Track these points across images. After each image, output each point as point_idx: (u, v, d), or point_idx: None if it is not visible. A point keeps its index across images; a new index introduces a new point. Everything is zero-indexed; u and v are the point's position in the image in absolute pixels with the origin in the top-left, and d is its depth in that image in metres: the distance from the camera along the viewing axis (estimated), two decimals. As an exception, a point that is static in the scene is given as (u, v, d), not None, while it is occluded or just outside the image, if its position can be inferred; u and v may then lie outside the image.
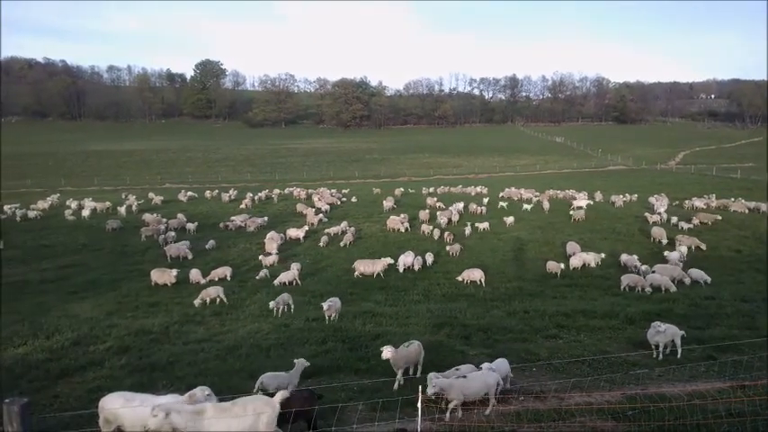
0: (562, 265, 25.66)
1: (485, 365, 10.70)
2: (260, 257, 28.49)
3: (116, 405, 8.43)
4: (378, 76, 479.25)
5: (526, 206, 45.37)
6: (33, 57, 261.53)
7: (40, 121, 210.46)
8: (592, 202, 47.56)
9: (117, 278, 26.17)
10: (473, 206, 44.83)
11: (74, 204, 50.42)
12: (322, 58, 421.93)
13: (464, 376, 10.17)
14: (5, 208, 48.58)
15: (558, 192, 55.02)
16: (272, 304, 18.27)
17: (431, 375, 9.86)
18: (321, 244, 33.13)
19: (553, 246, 31.89)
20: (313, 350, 13.93)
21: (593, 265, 26.85)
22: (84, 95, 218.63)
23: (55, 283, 25.94)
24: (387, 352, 11.40)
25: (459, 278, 23.98)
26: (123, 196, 56.74)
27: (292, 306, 17.87)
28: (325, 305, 16.91)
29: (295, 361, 11.11)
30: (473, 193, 57.17)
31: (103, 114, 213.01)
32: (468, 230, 35.66)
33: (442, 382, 9.79)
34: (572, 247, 29.33)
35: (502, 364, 11.21)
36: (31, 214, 46.45)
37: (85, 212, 46.49)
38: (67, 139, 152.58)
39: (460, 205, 44.63)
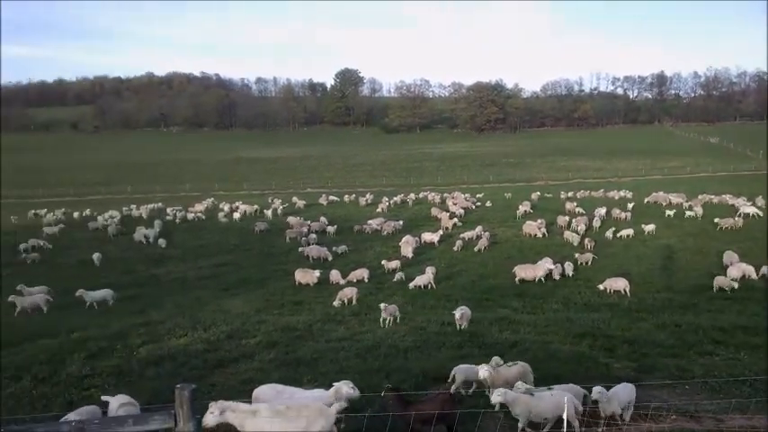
0: (735, 284, 23.27)
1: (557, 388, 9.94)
2: (383, 262, 28.98)
3: (268, 395, 8.99)
4: (513, 77, 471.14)
5: (669, 212, 42.35)
6: (192, 71, 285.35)
7: (198, 130, 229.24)
8: (760, 212, 42.29)
9: (264, 277, 27.87)
10: (616, 211, 42.62)
11: (226, 207, 54.35)
12: (456, 61, 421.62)
13: (531, 393, 9.54)
14: (168, 210, 53.45)
15: (713, 196, 50.72)
16: (382, 311, 18.05)
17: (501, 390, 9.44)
18: (455, 248, 33.12)
19: (707, 255, 29.51)
20: (450, 354, 13.96)
21: (754, 276, 24.48)
22: (236, 106, 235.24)
23: (210, 279, 28.15)
24: (483, 371, 10.64)
25: (602, 287, 22.90)
26: (270, 200, 60.22)
27: (398, 317, 17.81)
28: (456, 313, 16.62)
29: (495, 359, 11.18)
30: (616, 198, 54.35)
31: (252, 124, 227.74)
32: (609, 236, 33.95)
33: (509, 395, 9.26)
34: (729, 256, 26.92)
35: (623, 389, 10.03)
36: (190, 216, 50.69)
37: (236, 215, 49.98)
38: (221, 147, 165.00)
39: (603, 210, 42.57)
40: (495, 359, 11.35)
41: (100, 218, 49.57)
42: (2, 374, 12.40)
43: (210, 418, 7.95)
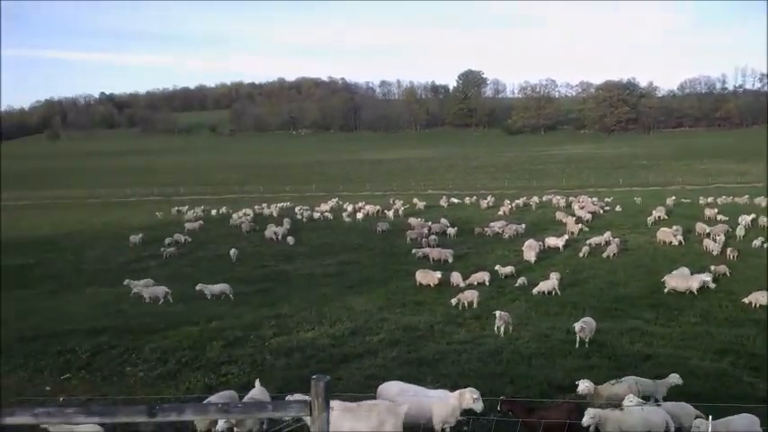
0: None
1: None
2: (496, 267, 27.48)
3: (392, 392, 9.16)
4: (647, 76, 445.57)
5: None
6: (319, 76, 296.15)
7: (324, 133, 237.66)
8: None
9: (386, 276, 28.36)
10: (764, 219, 39.03)
11: (350, 207, 55.87)
12: (584, 60, 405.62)
13: (621, 408, 8.89)
14: (296, 209, 55.87)
15: None
16: (497, 318, 17.35)
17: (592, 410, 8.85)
18: (582, 254, 31.86)
19: None
20: (576, 364, 13.48)
21: None
22: (360, 109, 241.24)
23: (335, 277, 29.08)
24: (584, 386, 10.10)
25: (746, 300, 21.06)
26: (391, 201, 61.15)
27: (511, 327, 17.00)
28: (577, 326, 15.55)
29: (672, 376, 10.87)
30: (764, 204, 49.77)
31: (375, 126, 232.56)
32: (757, 244, 31.18)
33: (600, 413, 8.74)
34: None
35: (740, 421, 9.16)
36: (316, 215, 52.65)
37: (359, 215, 51.26)
38: (345, 148, 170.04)
39: (748, 218, 39.12)
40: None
41: (235, 215, 52.74)
42: (151, 356, 13.56)
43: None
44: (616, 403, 9.43)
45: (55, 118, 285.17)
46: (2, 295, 25.63)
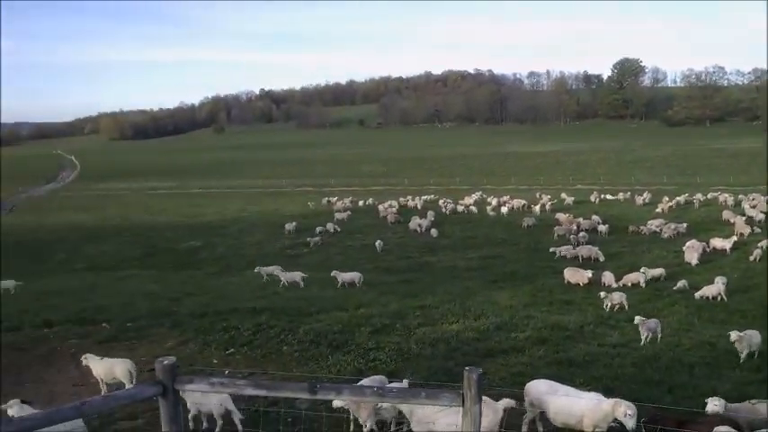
0: None
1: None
2: (642, 269, 24.90)
3: (541, 390, 8.95)
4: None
5: None
6: (466, 69, 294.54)
7: (469, 126, 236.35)
8: None
9: (532, 272, 27.66)
10: None
11: (494, 201, 55.13)
12: (758, 45, 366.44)
13: None
14: (440, 202, 56.16)
15: None
16: (640, 326, 15.72)
17: None
18: (753, 258, 28.90)
19: None
20: (745, 377, 12.31)
21: None
22: (506, 101, 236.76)
23: (478, 271, 28.88)
24: (712, 405, 9.00)
25: None
26: (537, 195, 59.51)
27: (659, 335, 15.32)
28: (733, 335, 13.69)
29: None
30: None
31: (522, 118, 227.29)
32: None
33: None
34: None
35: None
36: (459, 209, 52.58)
37: (504, 209, 50.43)
38: (490, 141, 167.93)
39: None
40: None
41: (380, 207, 54.14)
42: (305, 338, 14.34)
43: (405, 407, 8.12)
44: None
45: (220, 113, 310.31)
46: (178, 273, 28.47)
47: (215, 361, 12.99)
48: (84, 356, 11.77)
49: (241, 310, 17.92)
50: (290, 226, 43.88)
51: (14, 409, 8.94)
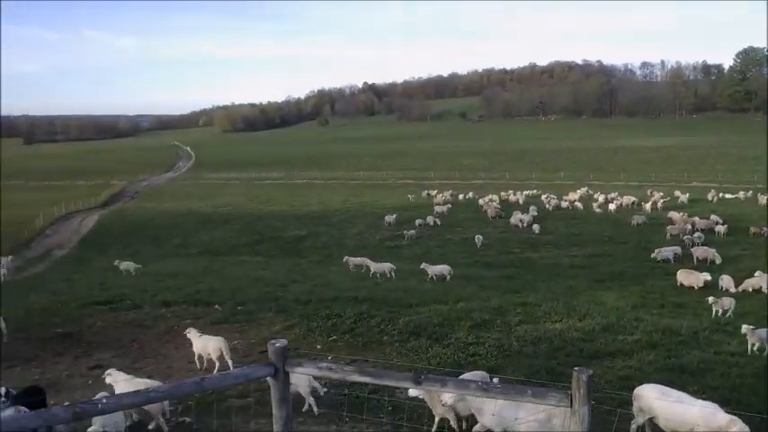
0: None
1: None
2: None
3: (652, 395, 8.54)
4: None
5: None
6: (573, 60, 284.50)
7: (575, 118, 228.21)
8: None
9: (641, 273, 26.43)
10: None
11: (601, 198, 53.01)
12: None
13: None
14: (543, 197, 54.74)
15: None
16: (748, 335, 14.23)
17: None
18: None
19: None
20: None
21: None
22: (617, 93, 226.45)
23: (583, 269, 27.94)
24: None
25: None
26: (648, 192, 56.63)
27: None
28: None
29: None
30: None
31: (633, 110, 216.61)
32: None
33: None
34: None
35: None
36: (563, 204, 51.03)
37: (612, 206, 48.39)
38: (598, 135, 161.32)
39: None
40: None
41: (481, 201, 53.55)
42: (405, 329, 14.47)
43: (448, 398, 7.88)
44: None
45: (325, 106, 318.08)
46: (283, 261, 29.58)
47: (318, 346, 13.39)
48: (187, 330, 12.67)
49: (343, 298, 18.35)
50: (390, 218, 44.38)
51: (112, 376, 9.72)
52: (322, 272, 27.59)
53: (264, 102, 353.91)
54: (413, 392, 8.37)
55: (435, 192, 63.25)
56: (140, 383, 9.04)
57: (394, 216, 44.65)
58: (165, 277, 25.33)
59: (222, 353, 11.76)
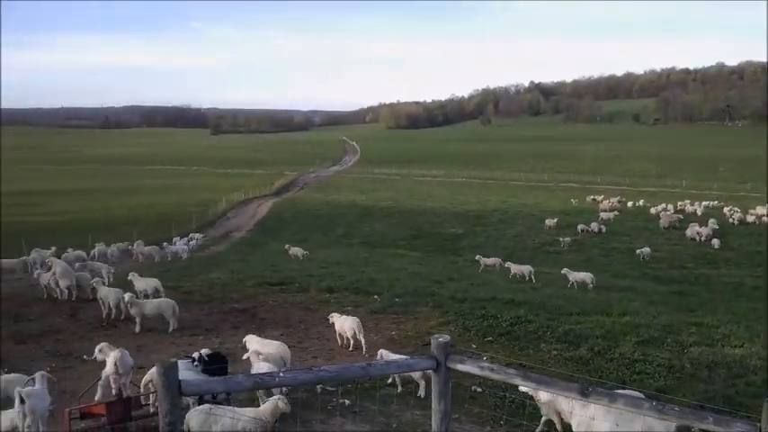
0: None
1: None
2: None
3: None
4: None
5: None
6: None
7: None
8: None
9: None
10: None
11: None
12: None
13: None
14: (725, 210, 49.84)
15: None
16: None
17: None
18: None
19: None
20: None
21: None
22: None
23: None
24: None
25: None
26: None
27: None
28: None
29: None
30: None
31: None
32: None
33: None
34: None
35: None
36: (749, 218, 46.14)
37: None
38: None
39: None
40: None
41: (653, 209, 50.08)
42: (564, 338, 13.96)
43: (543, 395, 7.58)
44: None
45: (488, 105, 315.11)
46: (440, 257, 29.86)
47: (473, 346, 13.37)
48: (330, 315, 13.79)
49: (499, 300, 18.12)
50: (550, 222, 43.05)
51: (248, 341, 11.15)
52: (478, 272, 27.45)
53: (429, 100, 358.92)
54: (523, 388, 8.15)
55: (601, 197, 60.21)
56: (273, 345, 10.85)
57: (555, 220, 43.22)
58: (329, 264, 26.68)
59: (356, 331, 12.89)
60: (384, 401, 9.05)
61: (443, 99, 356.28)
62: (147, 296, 16.59)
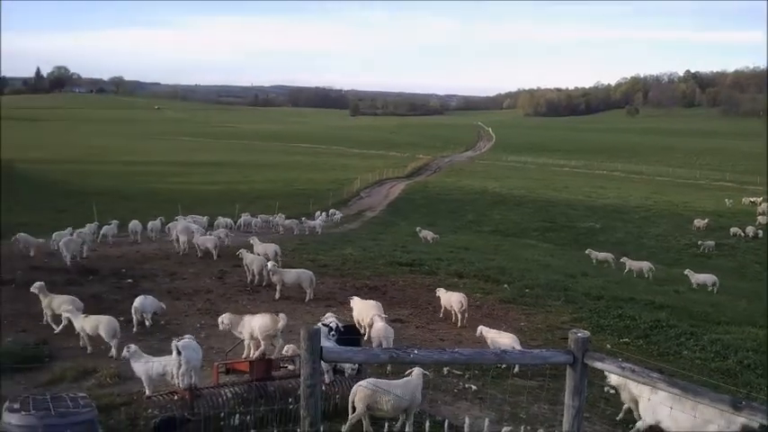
0: None
1: None
2: None
3: None
4: None
5: None
6: None
7: None
8: None
9: None
10: None
11: None
12: None
13: None
14: None
15: None
16: None
17: None
18: None
19: None
20: None
21: None
22: None
23: None
24: None
25: None
26: None
27: None
28: None
29: None
30: None
31: None
32: None
33: None
34: None
35: None
36: None
37: None
38: None
39: None
40: None
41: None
42: (710, 347, 12.99)
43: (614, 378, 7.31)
44: None
45: (636, 94, 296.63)
46: (574, 251, 28.77)
47: (608, 346, 12.79)
48: (437, 289, 14.58)
49: (638, 301, 17.22)
50: (699, 222, 40.04)
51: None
52: (615, 270, 26.18)
53: (571, 87, 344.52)
54: (614, 379, 8.00)
55: (760, 199, 54.85)
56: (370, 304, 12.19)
57: (705, 221, 40.07)
58: (458, 249, 26.66)
59: (462, 305, 13.48)
60: (512, 391, 8.95)
61: (587, 86, 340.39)
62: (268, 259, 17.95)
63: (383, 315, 11.90)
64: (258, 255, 18.03)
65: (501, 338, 11.13)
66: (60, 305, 11.46)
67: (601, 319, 14.73)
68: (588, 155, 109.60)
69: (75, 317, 10.78)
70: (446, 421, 7.56)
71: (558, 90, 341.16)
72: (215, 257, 19.62)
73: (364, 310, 12.26)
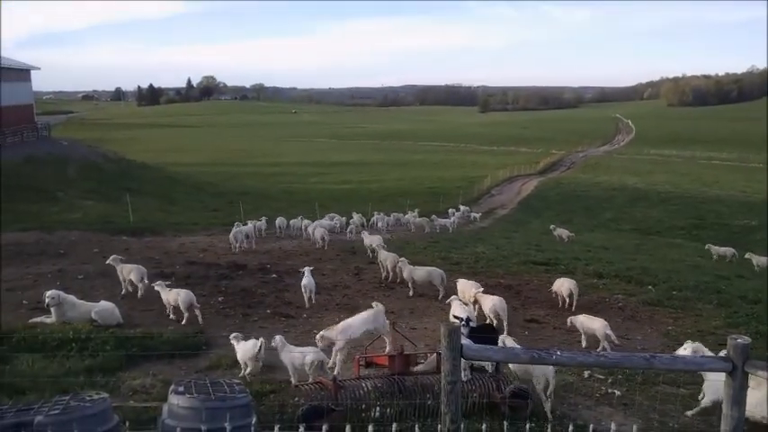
0: None
1: None
2: None
3: None
4: None
5: None
6: None
7: None
8: None
9: None
10: None
11: None
12: None
13: None
14: None
15: None
16: None
17: None
18: None
19: None
20: None
21: None
22: None
23: None
24: None
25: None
26: None
27: None
28: None
29: None
30: None
31: None
32: None
33: None
34: None
35: None
36: None
37: None
38: None
39: None
40: None
41: None
42: None
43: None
44: None
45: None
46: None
47: (769, 354, 11.74)
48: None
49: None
50: None
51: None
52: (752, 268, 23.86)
53: (720, 73, 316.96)
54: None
55: None
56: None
57: None
58: (596, 249, 25.56)
59: (499, 312, 12.19)
60: (661, 399, 8.47)
61: (739, 72, 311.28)
62: (373, 250, 18.97)
63: (481, 289, 13.16)
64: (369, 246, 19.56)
65: (591, 323, 11.23)
66: (130, 272, 14.00)
67: (760, 325, 13.50)
68: (742, 146, 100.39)
69: (162, 288, 12.55)
70: (590, 426, 7.33)
71: (706, 77, 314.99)
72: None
73: (466, 289, 13.37)
